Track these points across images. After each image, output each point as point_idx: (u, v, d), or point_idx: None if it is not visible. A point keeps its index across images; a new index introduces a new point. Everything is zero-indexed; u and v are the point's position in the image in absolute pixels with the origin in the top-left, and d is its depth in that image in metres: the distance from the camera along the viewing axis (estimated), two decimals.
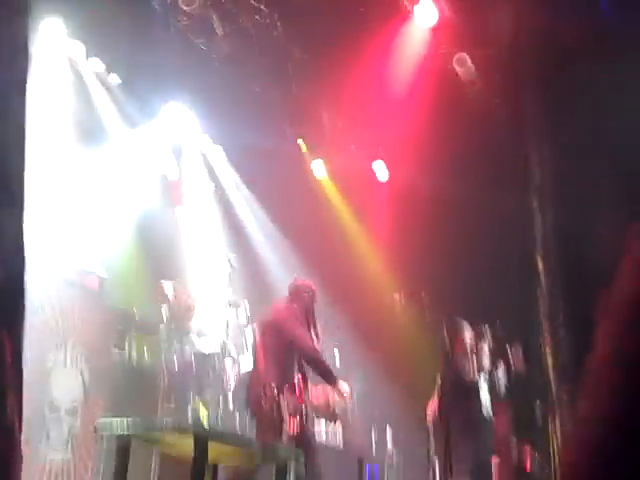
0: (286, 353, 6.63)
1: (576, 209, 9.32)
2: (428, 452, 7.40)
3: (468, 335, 7.59)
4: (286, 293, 7.21)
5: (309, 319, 6.96)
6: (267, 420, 6.28)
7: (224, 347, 7.63)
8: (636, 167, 8.28)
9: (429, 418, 7.58)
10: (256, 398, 6.38)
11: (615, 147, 8.56)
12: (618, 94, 8.36)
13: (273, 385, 6.27)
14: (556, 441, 8.73)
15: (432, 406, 7.53)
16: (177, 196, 10.67)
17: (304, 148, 10.92)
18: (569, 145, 9.34)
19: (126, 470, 4.80)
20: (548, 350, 9.27)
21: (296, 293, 7.02)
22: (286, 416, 6.36)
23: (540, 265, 9.74)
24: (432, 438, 7.38)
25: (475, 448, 7.17)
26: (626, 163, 8.41)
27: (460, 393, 7.18)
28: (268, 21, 9.13)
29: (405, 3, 9.28)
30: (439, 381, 7.32)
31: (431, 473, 7.26)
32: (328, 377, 6.69)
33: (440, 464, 6.92)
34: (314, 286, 7.20)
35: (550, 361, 9.19)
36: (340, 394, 6.75)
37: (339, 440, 8.21)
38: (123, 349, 7.52)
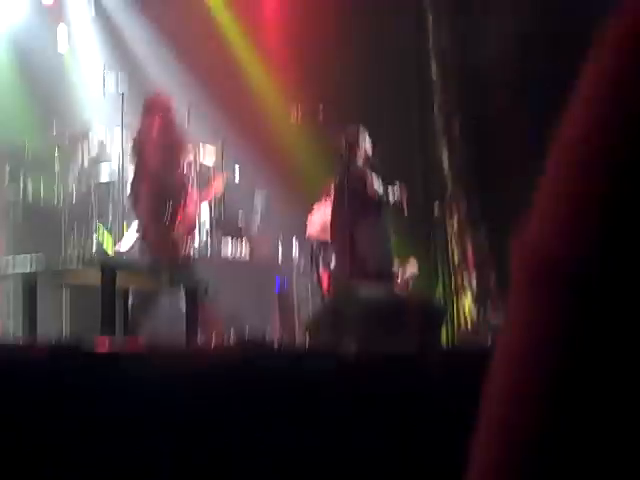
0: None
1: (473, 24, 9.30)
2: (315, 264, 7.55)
3: (369, 145, 7.30)
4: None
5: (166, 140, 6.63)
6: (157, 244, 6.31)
7: (121, 173, 7.49)
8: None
9: (313, 231, 7.63)
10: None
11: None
12: None
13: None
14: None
15: (319, 219, 7.50)
16: (56, 18, 10.03)
17: None
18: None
19: (35, 307, 4.79)
20: (444, 157, 9.48)
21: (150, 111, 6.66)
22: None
23: (435, 77, 9.75)
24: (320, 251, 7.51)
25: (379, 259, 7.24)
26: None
27: (361, 206, 7.07)
28: None
29: None
30: (333, 192, 7.28)
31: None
32: None
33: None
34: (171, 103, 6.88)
35: (446, 166, 9.42)
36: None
37: (246, 255, 8.34)
38: (17, 186, 7.28)
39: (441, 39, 9.75)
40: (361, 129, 7.26)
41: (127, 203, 6.98)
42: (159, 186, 6.35)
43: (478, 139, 9.14)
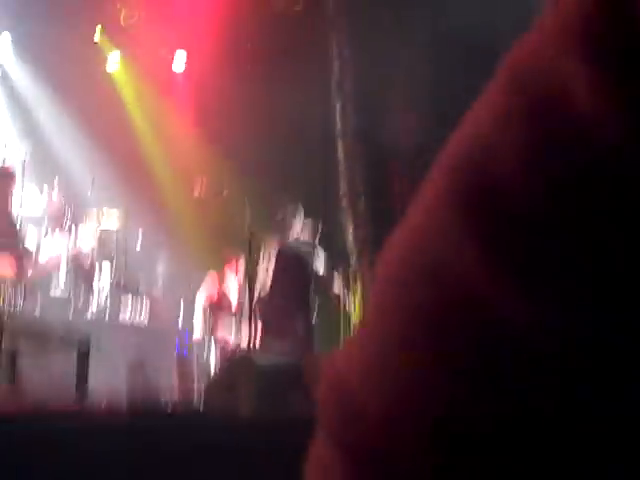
0: None
1: (376, 107, 9.68)
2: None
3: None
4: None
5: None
6: None
7: None
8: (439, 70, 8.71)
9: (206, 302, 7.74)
10: None
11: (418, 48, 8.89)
12: None
13: None
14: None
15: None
16: None
17: (100, 39, 10.46)
18: (372, 46, 9.57)
19: None
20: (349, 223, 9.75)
21: None
22: None
23: (340, 148, 10.11)
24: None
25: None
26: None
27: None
28: None
29: None
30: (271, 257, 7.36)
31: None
32: None
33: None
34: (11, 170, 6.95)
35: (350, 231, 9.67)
36: None
37: (144, 317, 8.27)
38: None
39: (347, 120, 10.16)
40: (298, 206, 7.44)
41: None
42: None
43: (382, 216, 9.41)
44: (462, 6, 8.51)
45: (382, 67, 9.35)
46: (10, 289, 6.42)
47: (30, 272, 6.87)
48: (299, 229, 7.39)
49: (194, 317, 8.49)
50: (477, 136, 0.39)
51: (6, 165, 7.17)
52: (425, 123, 9.40)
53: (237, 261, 8.36)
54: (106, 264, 8.15)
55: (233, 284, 8.50)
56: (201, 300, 8.39)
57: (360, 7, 9.82)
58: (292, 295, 7.17)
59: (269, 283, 7.18)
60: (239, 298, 8.44)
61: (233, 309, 8.41)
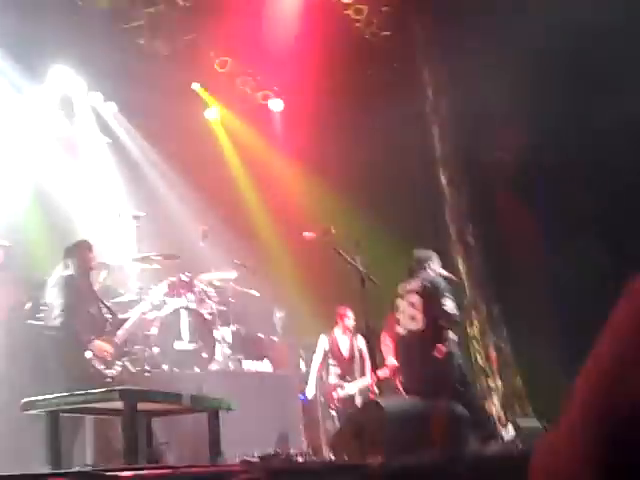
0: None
1: (473, 128, 9.54)
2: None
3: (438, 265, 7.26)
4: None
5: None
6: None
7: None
8: (531, 86, 8.55)
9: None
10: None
11: (507, 66, 8.73)
12: (508, 14, 8.51)
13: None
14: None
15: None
16: (72, 154, 10.41)
17: (200, 92, 10.73)
18: (462, 67, 9.47)
19: (58, 441, 4.81)
20: (460, 261, 9.59)
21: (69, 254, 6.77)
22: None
23: (445, 186, 10.00)
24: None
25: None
26: (519, 83, 8.64)
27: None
28: None
29: None
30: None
31: None
32: None
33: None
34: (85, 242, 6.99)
35: (463, 272, 9.51)
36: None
37: (268, 368, 8.40)
38: (39, 317, 7.38)
39: (449, 146, 10.06)
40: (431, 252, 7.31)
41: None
42: None
43: (494, 246, 9.25)
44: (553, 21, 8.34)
45: (477, 88, 9.22)
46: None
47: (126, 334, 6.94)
48: (437, 266, 7.25)
49: (312, 365, 8.60)
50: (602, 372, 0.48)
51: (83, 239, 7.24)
52: (525, 140, 9.26)
53: (349, 310, 8.51)
54: (226, 317, 8.33)
55: (347, 333, 8.61)
56: (320, 348, 8.53)
57: (449, 30, 9.70)
58: (429, 334, 7.00)
59: (410, 322, 7.05)
60: (352, 346, 8.56)
61: (347, 355, 8.54)
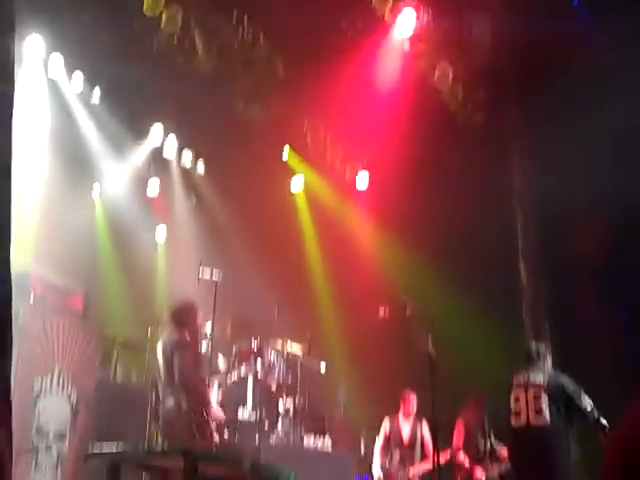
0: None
1: (558, 223, 9.44)
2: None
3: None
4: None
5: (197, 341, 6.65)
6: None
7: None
8: (615, 178, 8.43)
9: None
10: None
11: (596, 160, 8.64)
12: (601, 107, 8.45)
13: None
14: None
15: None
16: (159, 213, 10.66)
17: (289, 160, 10.89)
18: (551, 159, 9.41)
19: None
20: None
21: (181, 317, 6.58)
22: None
23: (523, 275, 9.86)
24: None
25: None
26: (605, 176, 8.53)
27: None
28: (250, 38, 9.15)
29: (384, 14, 9.27)
30: None
31: None
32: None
33: None
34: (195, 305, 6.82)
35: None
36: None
37: (328, 446, 8.23)
38: (110, 369, 7.46)
39: (529, 236, 9.96)
40: None
41: None
42: None
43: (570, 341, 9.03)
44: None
45: (565, 179, 9.12)
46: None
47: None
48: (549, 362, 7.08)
49: (375, 447, 8.46)
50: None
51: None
52: (611, 231, 9.09)
53: (412, 395, 8.40)
54: (291, 389, 8.25)
55: (409, 418, 8.48)
56: (382, 431, 8.42)
57: (541, 117, 9.67)
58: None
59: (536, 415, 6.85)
60: (413, 431, 8.42)
61: (406, 441, 8.40)
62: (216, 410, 6.52)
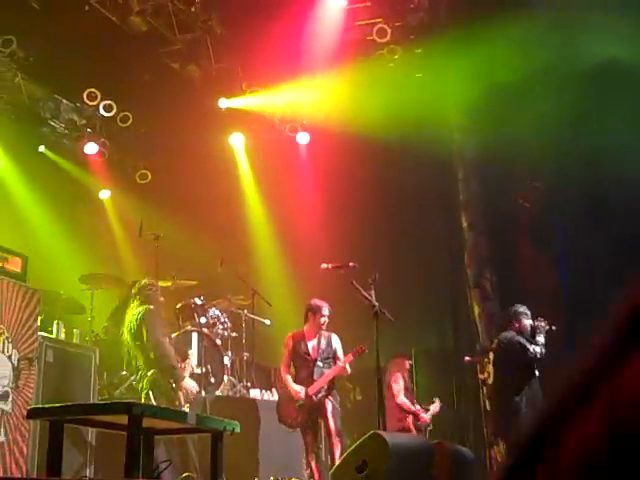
0: None
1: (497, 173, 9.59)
2: None
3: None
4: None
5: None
6: None
7: None
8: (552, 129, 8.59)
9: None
10: None
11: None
12: None
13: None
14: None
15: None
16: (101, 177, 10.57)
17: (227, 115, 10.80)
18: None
19: (61, 452, 4.80)
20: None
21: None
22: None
23: (465, 229, 10.03)
24: None
25: None
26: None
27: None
28: None
29: None
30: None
31: None
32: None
33: None
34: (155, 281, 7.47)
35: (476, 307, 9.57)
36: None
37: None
38: (51, 331, 7.41)
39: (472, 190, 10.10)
40: None
41: None
42: None
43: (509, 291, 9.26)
44: None
45: (505, 134, 9.22)
46: None
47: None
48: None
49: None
50: None
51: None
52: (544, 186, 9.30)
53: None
54: (237, 343, 8.34)
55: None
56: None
57: None
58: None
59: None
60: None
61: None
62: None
